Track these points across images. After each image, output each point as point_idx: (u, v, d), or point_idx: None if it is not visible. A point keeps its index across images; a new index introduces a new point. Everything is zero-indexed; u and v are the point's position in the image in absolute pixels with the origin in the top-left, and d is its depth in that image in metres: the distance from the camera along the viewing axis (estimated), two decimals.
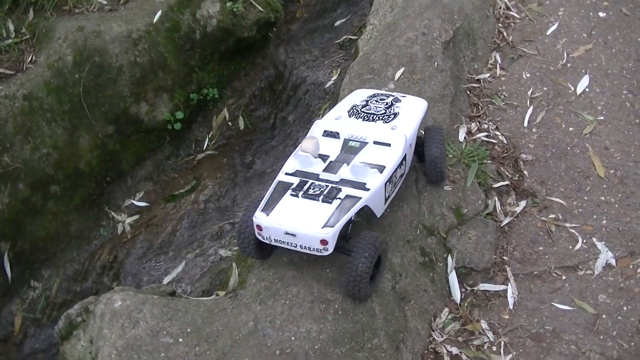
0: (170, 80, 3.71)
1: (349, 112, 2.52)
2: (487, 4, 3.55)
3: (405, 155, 2.36)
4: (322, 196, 2.12)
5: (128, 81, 3.56)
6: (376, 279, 2.23)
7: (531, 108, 3.14)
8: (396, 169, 2.30)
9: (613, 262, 2.57)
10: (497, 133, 3.03)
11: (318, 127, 2.44)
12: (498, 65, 3.33)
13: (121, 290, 2.31)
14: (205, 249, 3.32)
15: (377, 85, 3.03)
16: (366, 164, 2.22)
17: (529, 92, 3.21)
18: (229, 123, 3.93)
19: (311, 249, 2.08)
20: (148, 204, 3.63)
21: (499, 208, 2.73)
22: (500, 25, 3.52)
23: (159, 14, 3.64)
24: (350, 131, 2.39)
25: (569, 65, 3.31)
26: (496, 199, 2.74)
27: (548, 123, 3.08)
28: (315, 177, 2.22)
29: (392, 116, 2.48)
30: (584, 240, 2.64)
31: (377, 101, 2.57)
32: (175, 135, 3.85)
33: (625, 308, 2.41)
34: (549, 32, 3.47)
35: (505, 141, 2.99)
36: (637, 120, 3.06)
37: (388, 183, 2.26)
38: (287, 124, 3.79)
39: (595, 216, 2.72)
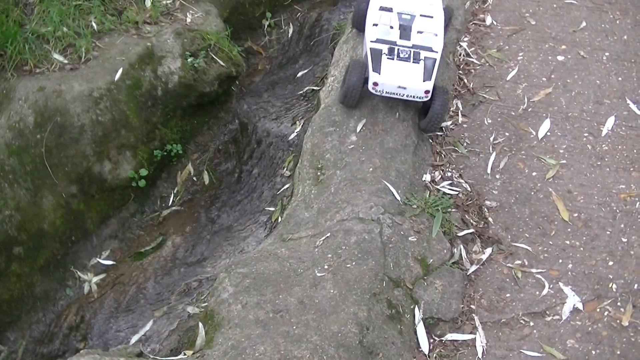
0: (133, 138, 3.81)
1: None
2: (447, 51, 3.71)
3: (443, 25, 3.16)
4: (411, 58, 3.00)
5: (90, 140, 3.64)
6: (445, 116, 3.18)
7: (494, 154, 3.28)
8: (443, 37, 3.12)
9: (580, 306, 2.68)
10: (461, 181, 3.15)
11: (374, 2, 3.20)
12: (460, 113, 3.47)
13: (87, 353, 2.37)
14: (173, 306, 3.37)
15: (339, 139, 3.15)
16: (425, 32, 3.07)
17: (491, 138, 3.35)
18: (194, 178, 4.02)
19: (415, 97, 3.02)
20: (114, 262, 3.69)
21: (465, 256, 2.84)
22: (460, 72, 3.68)
23: (120, 71, 3.75)
24: (401, 6, 3.17)
25: (529, 109, 3.47)
26: (462, 247, 2.85)
27: (511, 168, 3.21)
28: (394, 43, 3.05)
29: None
30: (551, 286, 2.75)
31: None
32: (140, 192, 3.93)
33: (593, 352, 2.52)
34: (509, 77, 3.63)
35: (469, 188, 3.12)
36: (599, 163, 3.21)
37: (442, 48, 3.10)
38: (251, 178, 3.89)
39: (560, 260, 2.84)
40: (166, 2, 4.21)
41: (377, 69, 2.97)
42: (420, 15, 3.16)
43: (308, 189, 3.10)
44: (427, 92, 2.98)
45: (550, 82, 3.60)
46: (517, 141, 3.34)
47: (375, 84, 2.98)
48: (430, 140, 3.34)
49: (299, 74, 4.39)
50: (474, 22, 4.00)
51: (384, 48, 3.02)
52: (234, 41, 4.48)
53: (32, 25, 3.79)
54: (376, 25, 3.08)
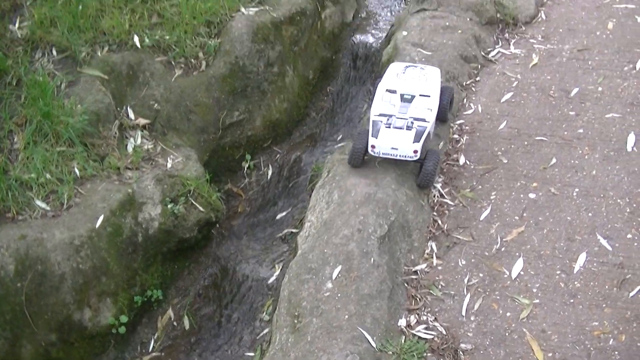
0: (114, 285, 4.05)
1: (396, 76, 4.17)
2: (422, 193, 4.04)
3: (437, 102, 4.03)
4: (405, 127, 3.84)
5: (71, 288, 3.89)
6: (436, 175, 4.00)
7: (468, 296, 3.53)
8: (436, 110, 4.00)
9: None
10: (436, 324, 3.39)
11: (381, 87, 4.10)
12: (434, 255, 3.76)
13: None
14: None
15: (315, 286, 3.41)
16: (421, 107, 3.93)
17: (466, 280, 3.61)
18: (174, 323, 4.24)
19: (406, 157, 3.83)
20: None
21: None
22: (435, 213, 3.99)
23: (101, 218, 4.05)
24: (403, 89, 4.05)
25: (503, 249, 3.75)
26: None
27: (485, 310, 3.46)
28: (393, 116, 3.92)
29: (425, 79, 4.14)
30: None
31: (412, 69, 4.25)
32: (120, 338, 4.13)
33: None
34: (482, 217, 3.94)
35: (444, 332, 3.35)
36: (572, 300, 3.46)
37: (435, 119, 3.99)
38: (231, 322, 4.11)
39: None
40: (147, 147, 4.56)
41: (375, 135, 3.83)
42: (420, 95, 4.02)
43: (285, 337, 3.33)
44: (415, 151, 3.79)
45: (523, 220, 3.91)
46: (491, 282, 3.60)
47: (373, 146, 3.84)
48: (406, 285, 3.60)
49: (278, 216, 4.70)
50: (448, 162, 4.35)
51: (384, 119, 3.89)
52: (215, 184, 4.82)
53: (16, 172, 4.10)
54: (382, 102, 4.00)
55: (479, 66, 5.18)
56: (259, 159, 5.16)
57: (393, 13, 6.67)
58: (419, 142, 3.80)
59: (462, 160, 4.37)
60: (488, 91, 4.94)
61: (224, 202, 4.85)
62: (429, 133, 3.92)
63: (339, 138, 5.29)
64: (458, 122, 4.69)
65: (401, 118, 3.91)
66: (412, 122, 3.88)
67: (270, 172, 5.08)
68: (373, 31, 6.21)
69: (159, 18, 5.14)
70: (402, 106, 3.98)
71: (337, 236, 3.64)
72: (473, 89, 4.98)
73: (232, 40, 4.91)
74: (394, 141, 3.82)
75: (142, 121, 4.68)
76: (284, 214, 4.68)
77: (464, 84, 4.97)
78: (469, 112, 4.78)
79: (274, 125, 5.17)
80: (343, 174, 4.06)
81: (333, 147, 5.14)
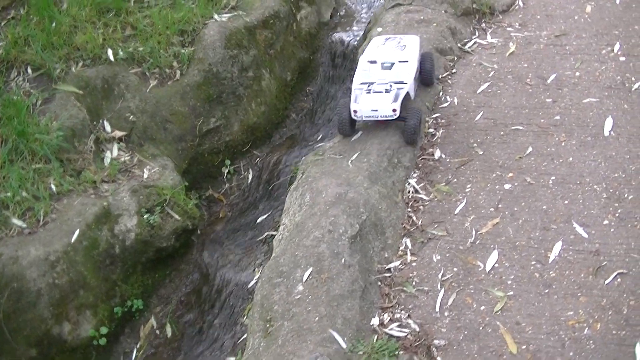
0: (92, 297, 4.08)
1: (377, 48, 4.44)
2: (396, 190, 4.03)
3: (417, 66, 4.33)
4: (384, 91, 4.08)
5: (48, 303, 3.91)
6: (420, 130, 4.29)
7: (442, 291, 3.52)
8: (415, 74, 4.29)
9: None
10: (410, 321, 3.38)
11: (363, 58, 4.37)
12: (408, 252, 3.74)
13: None
14: None
15: (287, 289, 3.41)
16: (400, 71, 4.20)
17: (440, 275, 3.60)
18: (157, 331, 4.26)
19: (387, 116, 4.03)
20: None
21: None
22: (409, 209, 3.98)
23: (76, 233, 4.08)
24: (383, 58, 4.32)
25: (477, 242, 3.73)
26: None
27: (459, 305, 3.44)
28: (373, 83, 4.17)
29: (403, 47, 4.42)
30: None
31: (391, 40, 4.52)
32: (102, 350, 4.16)
33: None
34: (457, 210, 3.93)
35: (417, 329, 3.34)
36: (547, 291, 3.44)
37: (414, 80, 4.26)
38: (213, 328, 4.12)
39: None
40: (124, 159, 4.59)
41: (357, 101, 4.08)
42: (399, 61, 4.29)
43: (258, 342, 3.33)
44: (394, 110, 4.00)
45: (498, 212, 3.89)
46: (465, 276, 3.58)
47: (355, 111, 4.06)
48: (379, 283, 3.59)
49: (259, 220, 4.71)
50: (423, 157, 4.34)
51: (365, 87, 4.15)
52: (196, 190, 4.84)
53: None
54: (364, 71, 4.26)
55: (455, 58, 5.16)
56: (239, 164, 5.18)
57: (372, 9, 6.66)
58: (397, 101, 4.00)
59: (437, 154, 4.35)
60: (464, 83, 4.92)
61: (205, 208, 4.87)
62: (407, 93, 4.15)
63: (319, 138, 5.29)
64: (434, 115, 4.67)
65: (381, 83, 4.17)
66: (390, 86, 4.13)
67: (250, 176, 5.09)
68: (351, 29, 6.21)
69: (132, 30, 5.17)
70: (382, 73, 4.24)
71: (308, 238, 3.64)
72: (449, 81, 4.97)
73: (205, 47, 4.92)
74: (373, 104, 4.03)
75: (119, 133, 4.70)
76: (264, 216, 4.69)
77: (440, 77, 4.96)
78: (445, 105, 4.76)
79: (252, 129, 5.18)
80: (316, 175, 4.06)
81: (313, 147, 5.14)
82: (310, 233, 3.66)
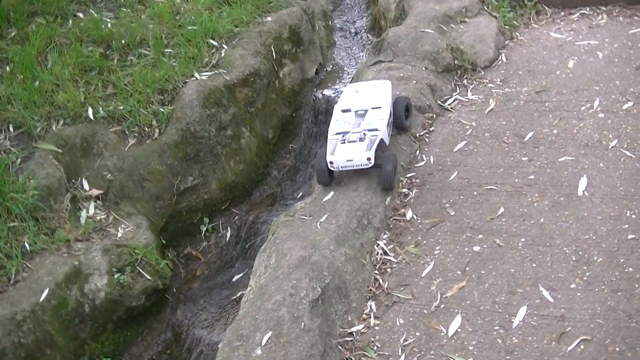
0: (59, 356, 4.08)
1: (350, 97, 4.60)
2: (364, 252, 4.02)
3: (390, 110, 4.46)
4: (358, 140, 4.20)
5: None
6: (396, 176, 4.35)
7: (403, 356, 3.49)
8: (389, 118, 4.41)
9: None
10: None
11: (337, 108, 4.52)
12: (372, 315, 3.72)
13: None
14: None
15: (245, 353, 3.40)
16: (373, 118, 4.31)
17: (402, 340, 3.57)
18: None
19: (362, 165, 4.15)
20: None
21: None
22: (376, 272, 3.97)
23: (45, 292, 4.10)
24: (356, 106, 4.47)
25: (442, 306, 3.71)
26: None
27: None
28: (348, 132, 4.31)
29: (375, 93, 4.57)
30: None
31: (363, 87, 4.70)
32: None
33: None
34: (424, 273, 3.91)
35: None
36: (508, 357, 3.40)
37: (387, 126, 4.37)
38: None
39: None
40: (100, 218, 4.63)
41: (332, 152, 4.20)
42: (372, 108, 4.42)
43: None
44: (368, 158, 4.12)
45: (465, 275, 3.86)
46: (427, 341, 3.55)
47: (331, 162, 4.18)
48: (340, 347, 3.57)
49: (235, 278, 4.72)
50: (395, 217, 4.33)
51: (339, 137, 4.27)
52: (174, 248, 4.87)
53: None
54: (338, 121, 4.40)
55: (434, 116, 5.19)
56: (218, 222, 5.20)
57: (359, 65, 6.73)
58: (371, 149, 4.12)
59: (409, 214, 4.35)
60: (441, 141, 4.93)
61: (183, 266, 4.89)
62: (382, 140, 4.28)
63: (299, 196, 5.31)
64: (409, 175, 4.68)
65: (355, 132, 4.28)
66: (364, 134, 4.24)
67: (228, 234, 5.11)
68: (336, 85, 6.27)
69: (114, 88, 5.24)
70: (356, 122, 4.36)
71: (270, 301, 3.63)
72: (427, 139, 4.99)
73: (183, 106, 4.99)
74: (348, 154, 4.15)
75: (96, 192, 4.75)
76: (240, 275, 4.70)
77: (417, 135, 4.98)
78: (421, 164, 4.77)
79: (231, 188, 5.21)
80: (283, 237, 4.07)
81: (291, 206, 5.15)
82: (272, 296, 3.66)
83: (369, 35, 7.49)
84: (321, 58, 6.55)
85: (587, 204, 4.18)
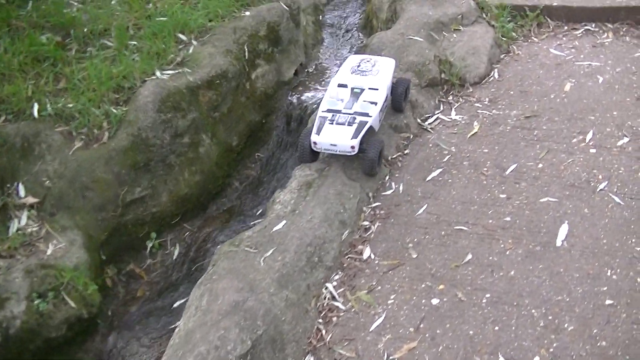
0: None
1: (350, 71, 4.46)
2: (310, 295, 3.59)
3: (387, 94, 4.34)
4: (346, 123, 4.08)
5: None
6: (380, 163, 4.26)
7: None
8: (383, 103, 4.29)
9: None
10: None
11: (334, 81, 4.37)
12: None
13: None
14: None
15: None
16: (367, 101, 4.19)
17: None
18: None
19: (345, 152, 4.05)
20: None
21: None
22: (320, 320, 3.54)
23: None
24: (353, 83, 4.34)
25: None
26: None
27: None
28: (339, 112, 4.17)
29: (376, 72, 4.43)
30: None
31: (366, 62, 4.55)
32: None
33: None
34: (373, 327, 3.48)
35: None
36: None
37: (380, 111, 4.26)
38: None
39: None
40: (31, 230, 4.20)
41: (318, 132, 4.07)
42: (369, 88, 4.28)
43: None
44: (352, 147, 4.01)
45: (418, 333, 3.42)
46: None
47: (315, 143, 4.09)
48: None
49: (176, 304, 4.30)
50: (350, 255, 3.90)
51: (329, 115, 4.14)
52: (115, 265, 4.44)
53: None
54: (332, 98, 4.25)
55: (411, 136, 4.71)
56: (167, 237, 4.76)
57: None
58: (357, 137, 4.01)
59: (366, 253, 3.91)
60: (415, 166, 4.46)
61: (123, 284, 4.48)
62: (371, 126, 4.13)
63: (258, 213, 4.85)
64: (374, 204, 4.23)
65: (345, 113, 4.15)
66: (354, 118, 4.10)
67: (176, 252, 4.67)
68: (314, 89, 5.78)
69: (66, 83, 4.77)
70: (349, 101, 4.23)
71: (193, 353, 3.22)
72: (399, 163, 4.52)
73: (137, 109, 4.52)
74: (333, 137, 4.03)
75: (31, 200, 4.32)
76: (183, 300, 4.26)
77: (390, 158, 4.50)
78: (389, 192, 4.31)
79: (183, 201, 4.75)
80: (222, 273, 3.64)
81: (249, 223, 4.70)
82: (195, 347, 3.24)
83: (360, 34, 6.96)
84: (303, 57, 6.03)
85: (564, 257, 3.72)
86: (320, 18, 7.17)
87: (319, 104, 4.44)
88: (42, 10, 5.32)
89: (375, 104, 4.20)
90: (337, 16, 7.51)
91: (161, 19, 5.33)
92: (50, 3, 5.37)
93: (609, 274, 3.61)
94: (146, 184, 4.61)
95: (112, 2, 5.62)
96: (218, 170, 5.07)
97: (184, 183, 4.80)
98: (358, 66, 4.49)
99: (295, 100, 5.59)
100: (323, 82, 5.97)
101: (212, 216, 4.94)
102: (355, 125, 4.06)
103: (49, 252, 4.11)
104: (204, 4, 5.57)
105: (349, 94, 4.27)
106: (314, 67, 6.37)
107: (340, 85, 4.34)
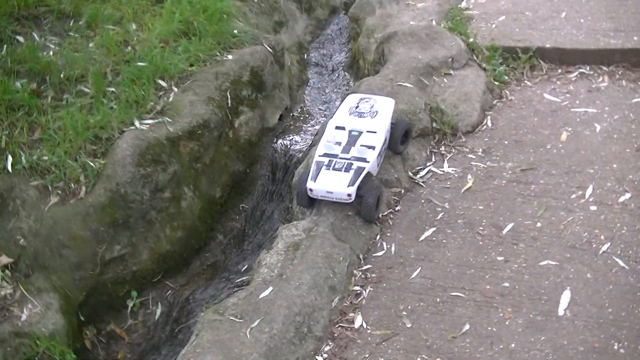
0: None
1: (348, 112, 4.34)
2: None
3: (385, 137, 4.23)
4: (343, 169, 3.97)
5: None
6: (378, 209, 4.17)
7: None
8: (382, 147, 4.16)
9: None
10: None
11: (331, 123, 4.27)
12: None
13: None
14: None
15: None
16: (365, 146, 4.08)
17: None
18: None
19: (341, 199, 3.96)
20: None
21: None
22: None
23: None
24: (351, 125, 4.23)
25: None
26: None
27: None
28: (336, 156, 4.06)
29: (375, 113, 4.30)
30: None
31: (364, 102, 4.40)
32: None
33: None
34: None
35: None
36: None
37: (378, 156, 4.13)
38: None
39: None
40: (5, 293, 3.95)
41: (314, 178, 3.98)
42: (367, 131, 4.17)
43: None
44: (349, 195, 3.92)
45: None
46: None
47: (311, 190, 3.98)
48: None
49: None
50: (341, 324, 3.69)
51: (326, 160, 4.05)
52: (94, 325, 4.20)
53: None
54: (329, 142, 4.14)
55: (402, 191, 4.52)
56: (148, 296, 4.53)
57: (330, 109, 6.03)
58: (353, 185, 3.92)
59: (358, 321, 3.71)
60: (407, 225, 4.27)
61: (103, 346, 4.24)
62: (368, 172, 4.04)
63: (243, 269, 4.63)
64: (365, 267, 4.04)
65: (343, 159, 4.06)
66: (351, 164, 4.02)
67: (158, 312, 4.44)
68: (300, 135, 5.57)
69: (42, 133, 4.54)
70: (347, 144, 4.13)
71: None
72: (390, 221, 4.32)
73: (114, 163, 4.30)
74: (330, 185, 3.94)
75: (5, 260, 4.08)
76: None
77: (380, 215, 4.29)
78: (380, 253, 4.12)
79: (165, 258, 4.52)
80: (205, 346, 3.43)
81: (234, 281, 4.48)
82: None
83: (347, 73, 6.77)
84: (288, 101, 5.83)
85: (568, 327, 3.53)
86: (305, 57, 6.99)
87: (305, 152, 4.22)
88: (16, 54, 5.08)
89: (373, 148, 4.08)
90: (323, 54, 7.33)
91: (140, 64, 5.11)
92: (25, 47, 5.13)
93: (615, 347, 3.42)
94: (126, 242, 4.38)
95: (90, 45, 5.39)
96: (201, 225, 4.85)
97: (165, 240, 4.57)
98: (356, 107, 4.37)
99: (279, 147, 5.38)
100: (308, 127, 5.76)
101: (195, 273, 4.72)
102: (352, 172, 3.96)
103: (23, 317, 3.88)
104: (185, 47, 5.36)
105: (347, 136, 4.17)
106: (299, 110, 6.17)
107: (338, 128, 4.24)
